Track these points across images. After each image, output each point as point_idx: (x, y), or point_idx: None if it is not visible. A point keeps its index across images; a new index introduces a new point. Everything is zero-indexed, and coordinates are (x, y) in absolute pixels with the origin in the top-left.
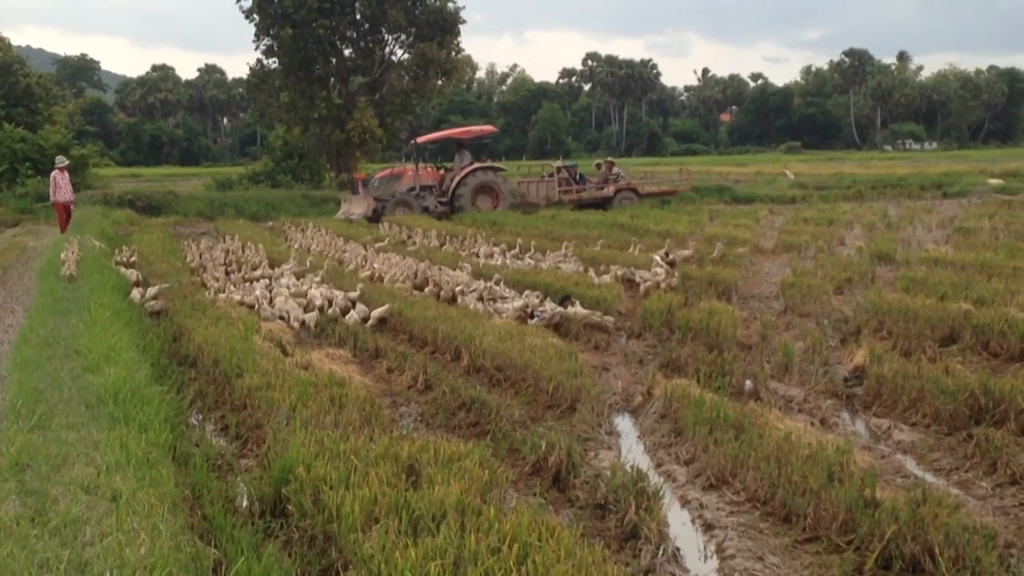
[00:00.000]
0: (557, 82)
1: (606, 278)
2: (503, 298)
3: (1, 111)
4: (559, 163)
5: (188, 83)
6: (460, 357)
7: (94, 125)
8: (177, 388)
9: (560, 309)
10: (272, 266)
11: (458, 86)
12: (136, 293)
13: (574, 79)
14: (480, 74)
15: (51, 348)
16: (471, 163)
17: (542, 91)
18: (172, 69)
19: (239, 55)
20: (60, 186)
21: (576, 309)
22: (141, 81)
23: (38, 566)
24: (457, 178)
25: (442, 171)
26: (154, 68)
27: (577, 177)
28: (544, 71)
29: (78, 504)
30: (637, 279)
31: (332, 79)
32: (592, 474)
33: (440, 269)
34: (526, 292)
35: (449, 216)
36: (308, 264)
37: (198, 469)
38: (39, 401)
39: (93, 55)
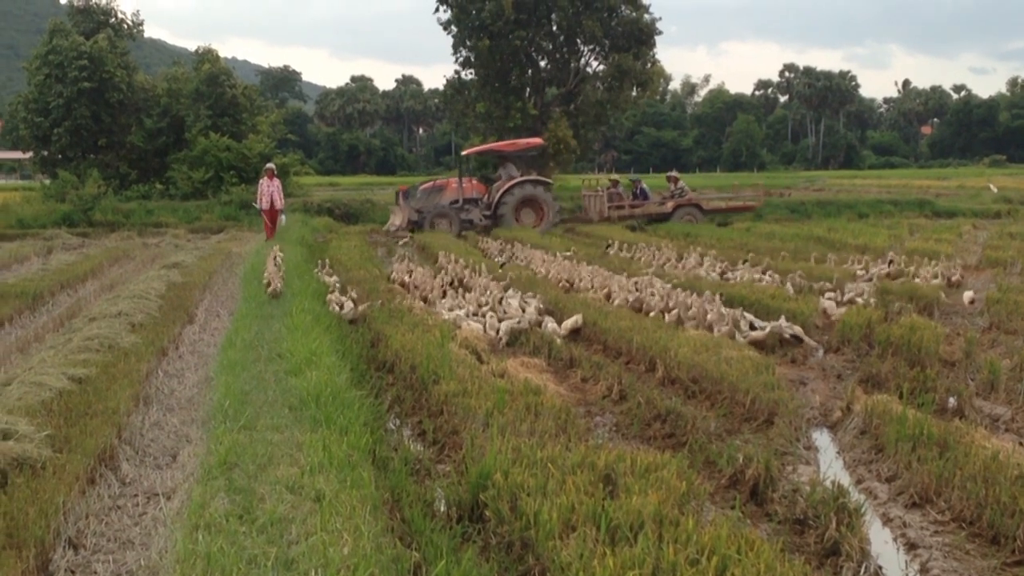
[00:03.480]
0: (753, 94)
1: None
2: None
3: (208, 120)
4: (615, 177)
5: (385, 94)
6: (655, 368)
7: (294, 135)
8: (375, 393)
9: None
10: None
11: (652, 97)
12: (335, 301)
13: (770, 91)
14: (674, 85)
15: (255, 351)
16: (516, 176)
17: (737, 103)
18: (370, 80)
19: (435, 66)
20: (264, 193)
21: (781, 323)
22: (340, 92)
23: (247, 562)
24: (500, 192)
25: (488, 185)
26: (353, 79)
27: (638, 191)
28: (739, 82)
29: (283, 503)
30: (827, 297)
31: (527, 90)
32: (790, 489)
33: (650, 284)
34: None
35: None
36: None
37: (397, 473)
38: (245, 402)
39: (295, 66)
